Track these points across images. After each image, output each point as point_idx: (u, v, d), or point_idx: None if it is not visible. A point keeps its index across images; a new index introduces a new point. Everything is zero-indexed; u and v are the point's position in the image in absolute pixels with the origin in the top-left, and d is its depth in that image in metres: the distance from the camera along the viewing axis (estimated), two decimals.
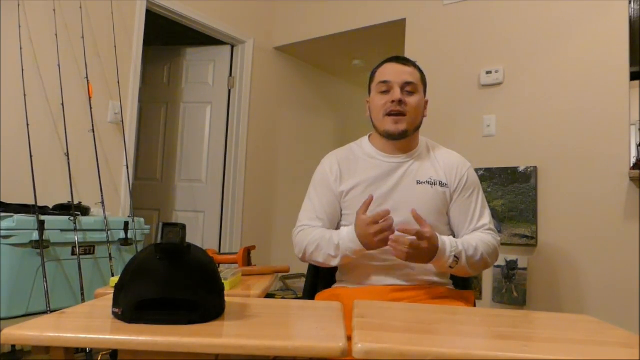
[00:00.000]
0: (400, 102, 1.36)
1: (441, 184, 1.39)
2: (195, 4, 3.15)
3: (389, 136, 1.39)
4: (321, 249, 1.35)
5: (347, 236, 1.30)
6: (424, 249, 1.22)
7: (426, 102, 1.46)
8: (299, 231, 1.43)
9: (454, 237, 1.43)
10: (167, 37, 3.78)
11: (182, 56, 3.59)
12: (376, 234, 1.22)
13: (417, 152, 1.44)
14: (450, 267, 1.27)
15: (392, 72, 1.39)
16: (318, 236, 1.36)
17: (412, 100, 1.38)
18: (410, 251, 1.21)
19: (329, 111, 4.52)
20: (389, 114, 1.37)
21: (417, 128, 1.43)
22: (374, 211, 1.35)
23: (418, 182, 1.39)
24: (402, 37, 3.09)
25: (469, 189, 1.41)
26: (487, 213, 1.43)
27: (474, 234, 1.37)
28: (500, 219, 2.54)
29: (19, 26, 2.30)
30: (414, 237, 1.21)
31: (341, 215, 1.44)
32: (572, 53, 2.46)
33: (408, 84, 1.38)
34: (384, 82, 1.39)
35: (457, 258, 1.27)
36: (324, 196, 1.44)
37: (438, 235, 1.26)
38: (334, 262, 1.34)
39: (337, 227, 1.45)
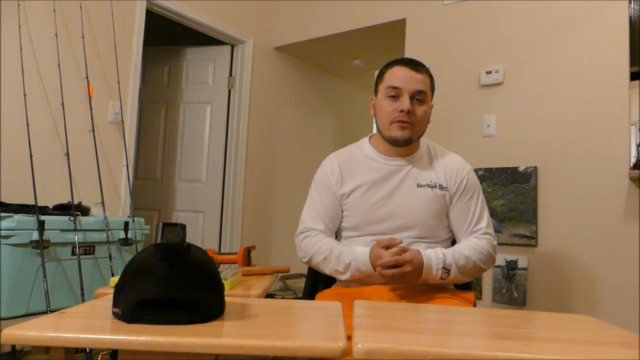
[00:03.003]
0: (409, 112, 1.35)
1: (441, 187, 1.39)
2: (195, 4, 3.15)
3: (394, 142, 1.39)
4: (329, 262, 1.36)
5: (361, 258, 1.31)
6: (408, 272, 1.23)
7: (431, 108, 1.45)
8: (305, 236, 1.43)
9: (454, 239, 1.44)
10: (167, 37, 3.78)
11: (182, 56, 3.59)
12: (387, 264, 1.24)
13: (418, 155, 1.44)
14: (442, 278, 1.29)
15: (404, 79, 1.36)
16: (326, 248, 1.37)
17: (420, 110, 1.37)
18: (395, 279, 1.23)
19: (329, 111, 4.52)
20: (396, 122, 1.36)
21: (421, 136, 1.43)
22: (375, 213, 1.36)
23: (418, 185, 1.38)
24: (402, 37, 3.09)
25: (469, 192, 1.41)
26: (486, 217, 1.43)
27: (468, 240, 1.37)
28: (500, 219, 2.54)
29: (19, 26, 2.30)
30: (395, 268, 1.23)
31: (342, 216, 1.44)
32: (572, 53, 2.46)
33: (418, 92, 1.36)
34: (394, 87, 1.36)
35: (446, 270, 1.28)
36: (326, 198, 1.44)
37: (422, 252, 1.27)
38: (342, 277, 1.36)
39: (339, 229, 1.45)
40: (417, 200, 1.37)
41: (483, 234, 1.39)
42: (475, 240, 1.37)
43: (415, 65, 1.39)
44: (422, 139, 1.47)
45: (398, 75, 1.38)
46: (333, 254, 1.35)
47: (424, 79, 1.38)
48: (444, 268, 1.27)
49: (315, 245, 1.39)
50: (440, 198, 1.38)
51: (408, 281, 1.26)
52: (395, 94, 1.37)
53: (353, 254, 1.33)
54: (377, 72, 1.49)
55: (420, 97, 1.37)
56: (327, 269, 1.37)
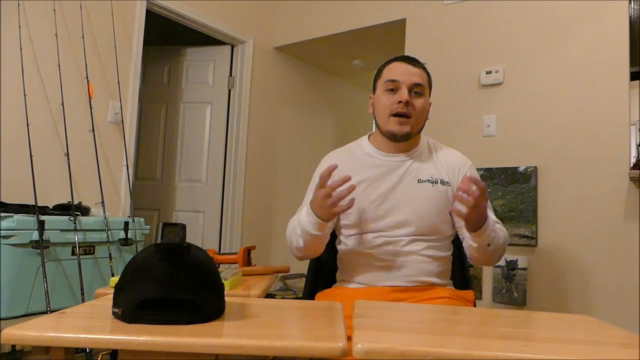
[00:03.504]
0: (407, 103, 1.35)
1: (442, 182, 1.39)
2: (195, 4, 3.15)
3: (392, 137, 1.39)
4: (294, 229, 1.35)
5: (306, 211, 1.30)
6: (483, 206, 1.21)
7: (429, 104, 1.46)
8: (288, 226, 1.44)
9: (457, 236, 1.44)
10: (167, 37, 3.78)
11: (182, 56, 3.59)
12: (325, 197, 1.19)
13: (418, 151, 1.44)
14: (489, 244, 1.28)
15: (401, 72, 1.38)
16: (297, 222, 1.37)
17: (418, 102, 1.38)
18: (476, 202, 1.16)
19: (329, 111, 4.52)
20: (395, 115, 1.37)
21: (420, 130, 1.43)
22: (375, 210, 1.35)
23: (419, 181, 1.39)
24: (402, 37, 3.09)
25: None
26: (492, 211, 1.43)
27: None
28: (500, 219, 2.52)
29: (19, 26, 2.30)
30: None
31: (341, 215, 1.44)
32: (572, 53, 2.46)
33: (416, 85, 1.37)
34: (392, 81, 1.38)
35: (493, 231, 1.28)
36: None
37: None
38: (300, 242, 1.33)
39: (339, 226, 1.44)
40: (417, 196, 1.37)
41: (496, 223, 1.39)
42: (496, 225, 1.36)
43: (412, 60, 1.42)
44: (421, 135, 1.47)
45: (396, 70, 1.40)
46: (297, 221, 1.35)
47: (422, 73, 1.41)
48: (493, 230, 1.28)
49: (291, 225, 1.40)
50: (442, 193, 1.38)
51: (479, 209, 1.19)
52: (393, 87, 1.38)
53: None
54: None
55: (418, 89, 1.38)
56: (295, 240, 1.35)
